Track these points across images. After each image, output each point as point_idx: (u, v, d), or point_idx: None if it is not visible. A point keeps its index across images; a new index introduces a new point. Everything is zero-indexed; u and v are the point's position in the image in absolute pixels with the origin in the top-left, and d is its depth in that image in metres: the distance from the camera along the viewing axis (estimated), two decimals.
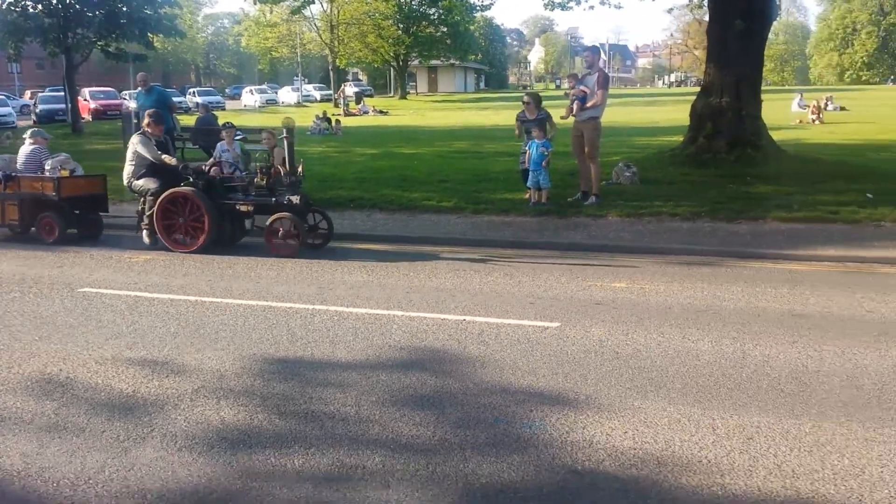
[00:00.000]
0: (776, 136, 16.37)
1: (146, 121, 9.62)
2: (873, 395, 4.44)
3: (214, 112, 21.56)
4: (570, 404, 4.42)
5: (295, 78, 65.84)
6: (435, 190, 12.33)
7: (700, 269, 7.86)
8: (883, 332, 5.62)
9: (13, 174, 9.79)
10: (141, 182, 9.24)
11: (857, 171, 12.89)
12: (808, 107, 27.91)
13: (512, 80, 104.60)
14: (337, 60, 59.44)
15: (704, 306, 6.41)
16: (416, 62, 67.06)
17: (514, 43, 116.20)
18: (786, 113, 28.63)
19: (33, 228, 9.70)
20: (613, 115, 28.89)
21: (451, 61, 66.22)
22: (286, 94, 60.32)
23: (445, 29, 59.47)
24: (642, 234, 9.48)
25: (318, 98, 58.51)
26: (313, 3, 21.27)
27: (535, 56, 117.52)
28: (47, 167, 9.74)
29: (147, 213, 9.18)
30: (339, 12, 57.58)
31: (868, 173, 12.66)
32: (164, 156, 9.29)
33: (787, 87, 60.36)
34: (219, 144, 10.00)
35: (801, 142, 18.44)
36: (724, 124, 13.62)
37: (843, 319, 5.97)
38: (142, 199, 9.38)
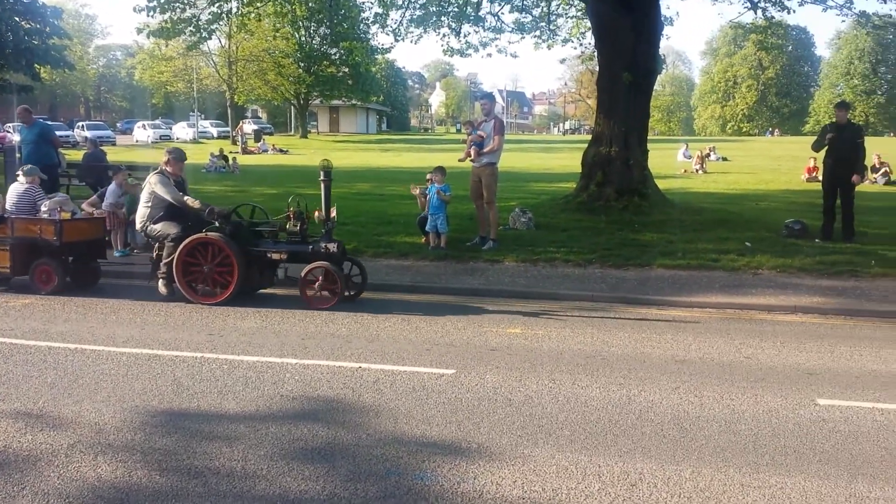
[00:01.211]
0: (663, 184, 17.20)
1: (165, 158, 8.92)
2: (749, 441, 4.66)
3: (103, 147, 20.76)
4: (463, 454, 4.43)
5: (191, 113, 64.47)
6: (336, 232, 12.21)
7: (590, 315, 8.10)
8: (759, 378, 5.93)
9: (3, 216, 8.93)
10: (159, 227, 8.46)
11: (737, 219, 13.66)
12: (693, 157, 29.46)
13: (414, 122, 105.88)
14: (235, 97, 58.70)
15: (594, 352, 6.59)
16: (317, 101, 66.96)
17: (416, 86, 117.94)
18: (672, 162, 30.14)
19: (26, 277, 8.73)
20: (511, 160, 29.68)
21: (353, 102, 66.51)
22: (181, 130, 58.95)
23: (347, 69, 59.77)
24: (537, 279, 9.70)
25: (216, 135, 57.51)
26: (209, 38, 20.87)
27: (437, 99, 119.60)
28: (43, 209, 8.89)
29: (165, 261, 8.35)
30: (237, 48, 57.00)
31: (747, 222, 13.43)
32: (186, 198, 8.57)
33: (673, 138, 63.62)
34: (111, 187, 9.62)
35: (685, 190, 19.41)
36: (613, 173, 14.21)
37: (722, 365, 6.26)
38: (157, 245, 8.59)
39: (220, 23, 18.74)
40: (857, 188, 12.18)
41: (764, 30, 21.46)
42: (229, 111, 59.73)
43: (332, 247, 8.29)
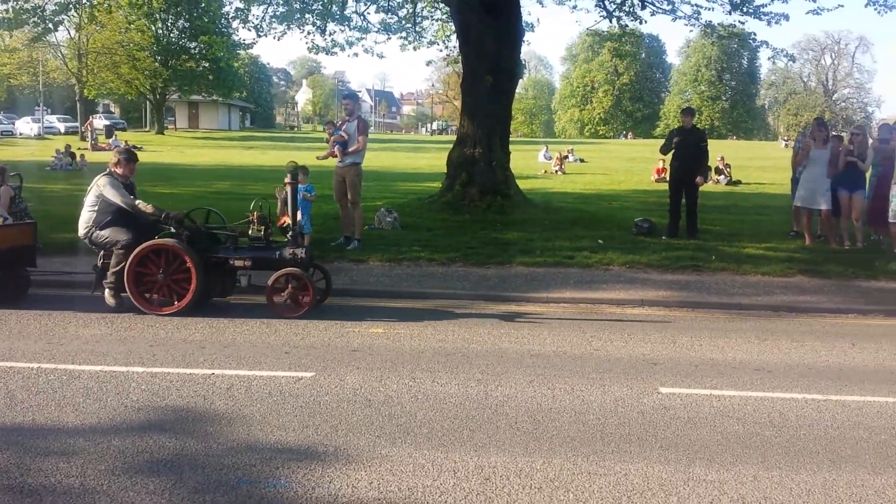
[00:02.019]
0: (524, 185, 17.70)
1: (114, 159, 8.26)
2: (597, 430, 4.86)
3: None
4: (319, 458, 4.36)
5: (36, 108, 60.17)
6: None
7: (453, 313, 8.20)
8: (607, 369, 6.20)
9: None
10: (106, 233, 7.83)
11: (592, 218, 14.25)
12: (553, 158, 30.52)
13: (279, 119, 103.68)
14: (85, 91, 55.28)
15: (454, 349, 6.68)
16: (175, 96, 64.22)
17: (282, 83, 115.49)
18: (533, 163, 31.10)
19: None
20: (379, 160, 29.66)
21: (214, 97, 64.24)
22: (25, 126, 54.89)
23: (207, 64, 57.60)
24: (401, 278, 9.73)
25: (63, 130, 53.90)
26: (56, 30, 19.55)
27: (303, 97, 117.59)
28: None
29: (113, 270, 7.74)
30: (88, 40, 53.67)
31: (601, 221, 14.04)
32: (138, 202, 7.98)
33: (535, 139, 65.67)
34: None
35: (545, 191, 20.06)
36: (477, 173, 14.48)
37: (574, 358, 6.51)
38: (101, 253, 7.97)
39: (68, 13, 17.57)
40: (701, 188, 13.00)
41: (619, 38, 22.46)
42: (78, 106, 56.19)
43: (301, 252, 7.91)
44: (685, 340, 7.20)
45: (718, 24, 19.14)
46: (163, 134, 57.82)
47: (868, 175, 12.43)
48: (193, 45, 55.95)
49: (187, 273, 7.63)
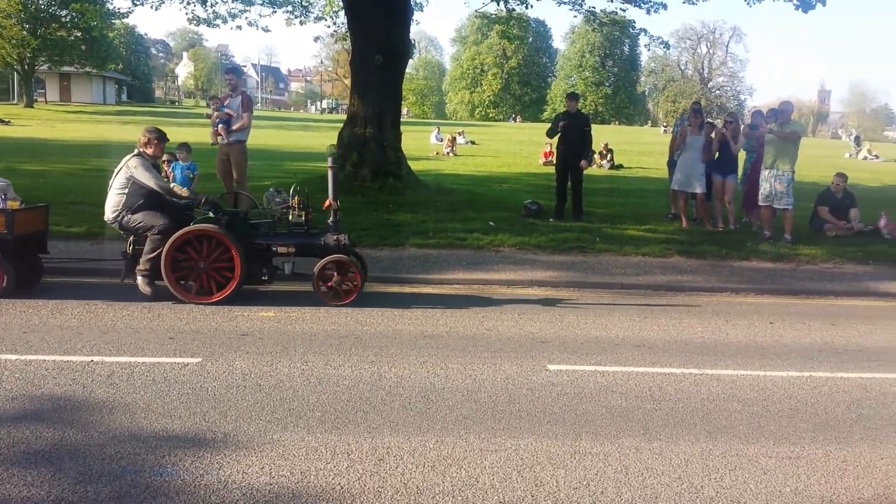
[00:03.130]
0: (416, 166, 17.71)
1: (144, 138, 7.64)
2: (488, 408, 4.96)
3: None
4: (207, 445, 4.25)
5: None
6: (65, 213, 11.11)
7: None
8: (498, 348, 6.33)
9: None
10: (139, 217, 7.34)
11: (483, 200, 14.45)
12: (444, 140, 30.67)
13: (159, 93, 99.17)
14: None
15: (347, 332, 6.63)
16: (45, 67, 60.29)
17: (161, 55, 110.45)
18: (425, 145, 31.15)
19: None
20: (267, 138, 28.94)
21: (87, 69, 60.73)
22: None
23: (80, 33, 54.34)
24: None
25: None
26: None
27: (184, 71, 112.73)
28: None
29: (148, 256, 7.28)
30: None
31: (491, 203, 14.25)
32: (173, 185, 7.58)
33: (426, 121, 65.78)
34: None
35: (437, 172, 20.15)
36: (368, 154, 14.38)
37: (466, 338, 6.60)
38: (131, 238, 7.45)
39: None
40: (586, 172, 13.41)
41: (506, 21, 22.81)
42: None
43: (343, 238, 7.66)
44: (572, 319, 7.43)
45: (601, 10, 19.74)
46: (32, 107, 54.12)
47: (742, 161, 13.17)
48: (65, 12, 52.58)
49: (228, 260, 7.33)
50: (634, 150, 32.28)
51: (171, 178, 10.85)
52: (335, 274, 7.52)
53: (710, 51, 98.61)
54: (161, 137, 7.74)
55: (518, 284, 8.95)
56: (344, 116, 19.16)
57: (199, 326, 6.65)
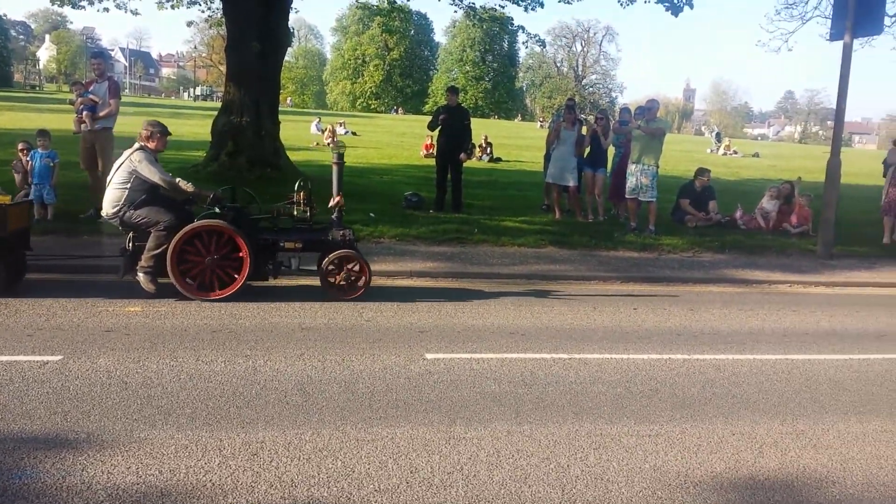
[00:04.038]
0: (296, 156, 17.45)
1: (146, 132, 7.43)
2: (366, 398, 4.98)
3: None
4: (70, 445, 4.05)
5: None
6: None
7: None
8: (377, 338, 6.35)
9: None
10: (143, 212, 7.15)
11: (364, 192, 14.40)
12: (325, 130, 30.32)
13: (18, 77, 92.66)
14: None
15: (220, 326, 6.47)
16: None
17: (21, 37, 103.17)
18: (305, 135, 30.69)
19: None
20: (135, 125, 27.64)
21: None
22: None
23: None
24: None
25: None
26: None
27: (46, 54, 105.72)
28: None
29: (153, 253, 7.09)
30: None
31: (372, 194, 14.24)
32: (178, 179, 7.37)
33: (307, 110, 64.73)
34: None
35: (317, 163, 19.88)
36: (244, 143, 14.05)
37: (345, 329, 6.59)
38: (131, 234, 7.28)
39: None
40: (465, 164, 13.62)
41: (388, 13, 22.74)
42: None
43: (348, 234, 7.74)
44: (450, 309, 7.55)
45: (481, 7, 20.08)
46: None
47: (611, 155, 13.77)
48: None
49: (236, 256, 7.23)
50: (513, 143, 33.03)
51: (29, 169, 10.22)
52: (343, 269, 7.61)
53: (585, 49, 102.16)
54: (164, 131, 7.58)
55: (398, 275, 9.01)
56: (219, 104, 18.60)
57: (60, 322, 6.31)
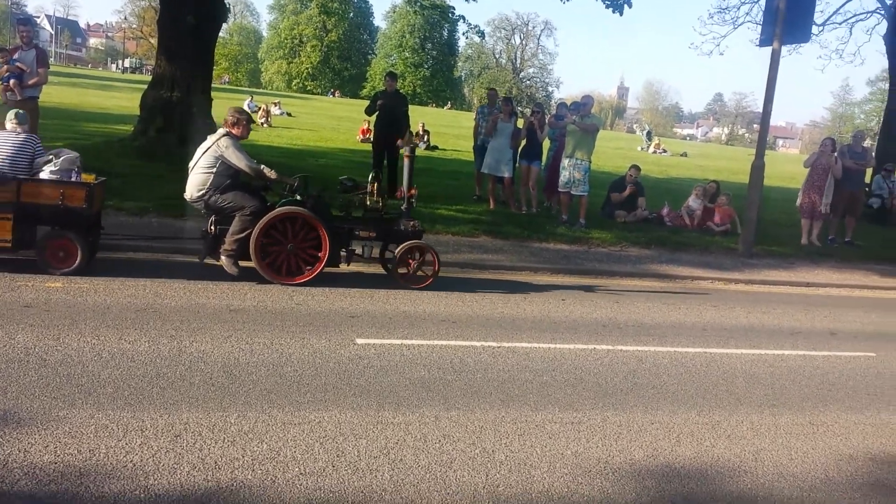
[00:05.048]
0: None
1: (232, 118, 7.60)
2: (294, 382, 4.96)
3: None
4: None
5: None
6: None
7: (144, 267, 7.73)
8: (308, 322, 6.31)
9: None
10: (230, 196, 7.35)
11: (298, 174, 14.16)
12: (259, 109, 29.74)
13: None
14: None
15: (145, 305, 6.33)
16: None
17: None
18: None
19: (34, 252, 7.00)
20: (61, 96, 26.57)
21: None
22: None
23: None
24: None
25: None
26: None
27: None
28: (51, 168, 6.98)
29: (237, 237, 7.29)
30: None
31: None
32: (262, 166, 7.59)
33: (240, 88, 63.35)
34: None
35: (251, 143, 19.50)
36: (175, 118, 13.68)
37: (274, 312, 6.52)
38: (214, 218, 7.46)
39: None
40: (402, 150, 13.57)
41: None
42: None
43: (417, 225, 8.13)
44: (382, 295, 7.55)
45: None
46: None
47: (546, 149, 13.95)
48: None
49: (315, 242, 7.49)
50: (450, 132, 33.06)
51: None
52: (416, 258, 7.95)
53: (523, 42, 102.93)
54: (249, 119, 7.84)
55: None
56: (149, 78, 18.05)
57: None
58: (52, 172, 7.04)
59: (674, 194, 16.27)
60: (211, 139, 7.56)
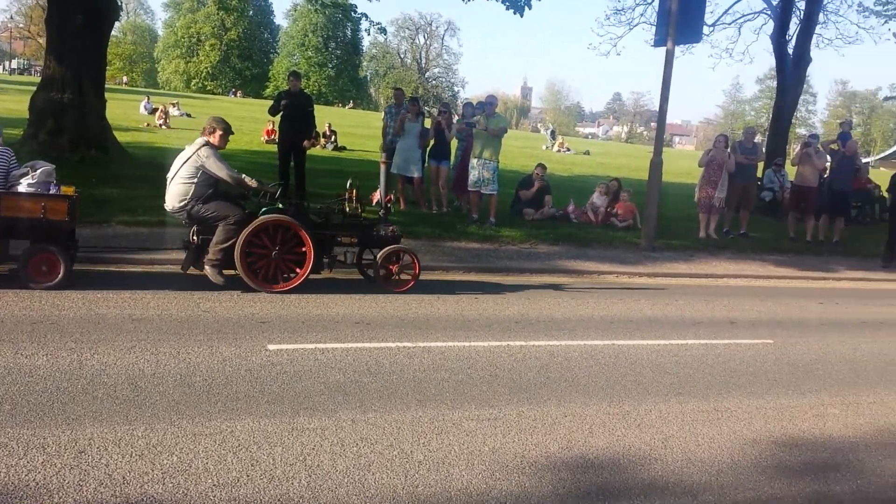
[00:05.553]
0: (125, 137, 16.47)
1: (210, 128, 7.63)
2: (203, 391, 4.81)
3: None
4: None
5: None
6: None
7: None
8: (216, 329, 6.14)
9: None
10: (212, 206, 7.35)
11: None
12: (157, 110, 28.74)
13: None
14: None
15: (41, 317, 6.01)
16: None
17: None
18: (135, 114, 28.96)
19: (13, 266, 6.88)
20: None
21: None
22: None
23: None
24: None
25: None
26: None
27: None
28: (28, 181, 6.88)
29: (222, 246, 7.23)
30: None
31: None
32: (242, 175, 7.61)
33: (136, 89, 61.08)
34: None
35: (148, 145, 18.87)
36: (67, 122, 13.09)
37: (180, 320, 6.31)
38: (196, 228, 7.42)
39: None
40: (309, 152, 13.41)
41: None
42: None
43: (395, 230, 8.32)
44: (293, 299, 7.42)
45: None
46: None
47: (454, 148, 14.05)
48: None
49: (299, 249, 7.51)
50: (358, 132, 32.83)
51: None
52: (398, 262, 8.14)
53: (428, 42, 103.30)
54: (227, 130, 7.78)
55: None
56: (38, 79, 17.18)
57: None
58: (29, 185, 6.93)
59: (578, 192, 16.68)
60: (190, 149, 7.55)
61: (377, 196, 8.58)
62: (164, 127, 26.08)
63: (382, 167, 8.55)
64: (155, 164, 14.43)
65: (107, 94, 14.72)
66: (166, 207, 7.56)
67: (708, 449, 4.78)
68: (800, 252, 13.78)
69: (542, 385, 5.62)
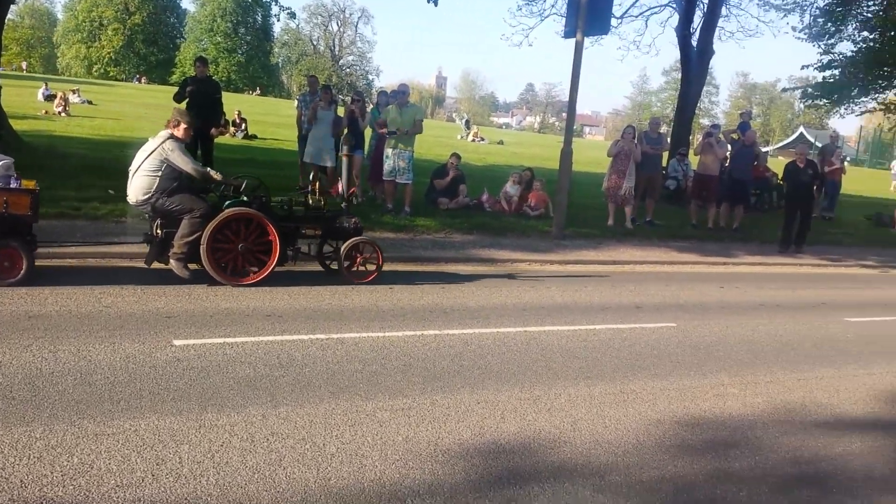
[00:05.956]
0: (21, 125, 15.68)
1: (174, 121, 7.49)
2: (105, 390, 4.64)
3: None
4: None
5: None
6: None
7: None
8: (118, 326, 5.93)
9: None
10: (177, 199, 7.27)
11: (102, 166, 13.26)
12: (56, 97, 27.42)
13: None
14: None
15: None
16: None
17: None
18: (32, 102, 27.56)
19: None
20: None
21: None
22: None
23: None
24: None
25: None
26: None
27: None
28: None
29: (187, 239, 7.16)
30: None
31: (111, 169, 13.08)
32: (207, 168, 7.63)
33: (34, 75, 58.13)
34: None
35: (47, 134, 18.00)
36: None
37: (80, 317, 6.06)
38: (159, 222, 7.33)
39: None
40: (219, 140, 13.07)
41: None
42: None
43: (357, 222, 8.43)
44: (200, 292, 7.24)
45: None
46: None
47: (368, 137, 13.96)
48: None
49: (265, 241, 7.51)
50: (269, 121, 32.19)
51: None
52: (362, 254, 8.26)
53: (341, 29, 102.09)
54: (191, 124, 7.65)
55: (141, 257, 8.42)
56: None
57: None
58: None
59: (492, 181, 16.84)
60: (154, 142, 7.44)
61: (339, 188, 8.56)
62: (63, 115, 24.89)
63: (345, 160, 8.67)
64: (54, 153, 13.81)
65: (2, 81, 13.96)
66: (129, 200, 7.47)
67: (615, 430, 4.93)
68: (702, 238, 14.33)
69: (456, 373, 5.67)
